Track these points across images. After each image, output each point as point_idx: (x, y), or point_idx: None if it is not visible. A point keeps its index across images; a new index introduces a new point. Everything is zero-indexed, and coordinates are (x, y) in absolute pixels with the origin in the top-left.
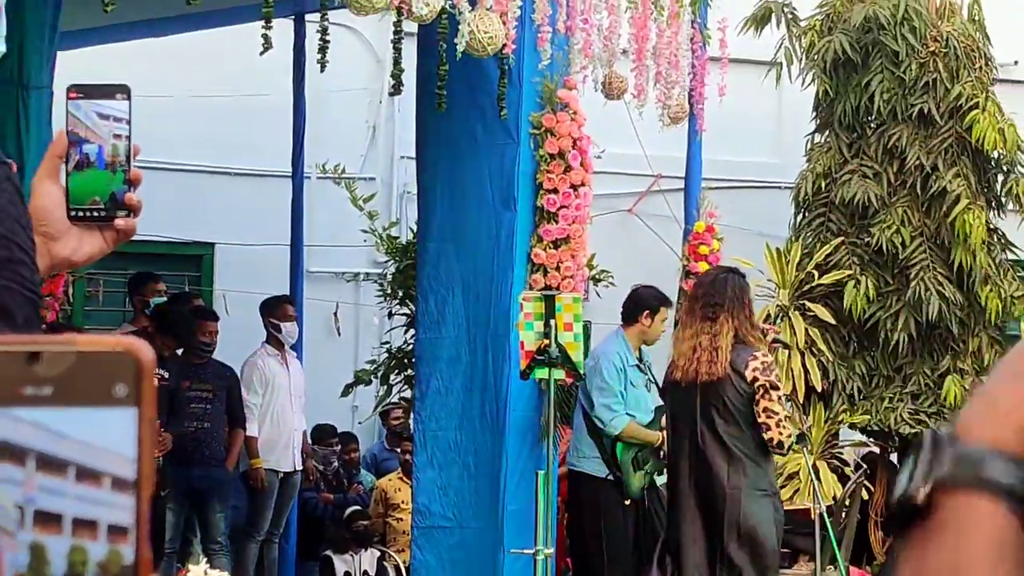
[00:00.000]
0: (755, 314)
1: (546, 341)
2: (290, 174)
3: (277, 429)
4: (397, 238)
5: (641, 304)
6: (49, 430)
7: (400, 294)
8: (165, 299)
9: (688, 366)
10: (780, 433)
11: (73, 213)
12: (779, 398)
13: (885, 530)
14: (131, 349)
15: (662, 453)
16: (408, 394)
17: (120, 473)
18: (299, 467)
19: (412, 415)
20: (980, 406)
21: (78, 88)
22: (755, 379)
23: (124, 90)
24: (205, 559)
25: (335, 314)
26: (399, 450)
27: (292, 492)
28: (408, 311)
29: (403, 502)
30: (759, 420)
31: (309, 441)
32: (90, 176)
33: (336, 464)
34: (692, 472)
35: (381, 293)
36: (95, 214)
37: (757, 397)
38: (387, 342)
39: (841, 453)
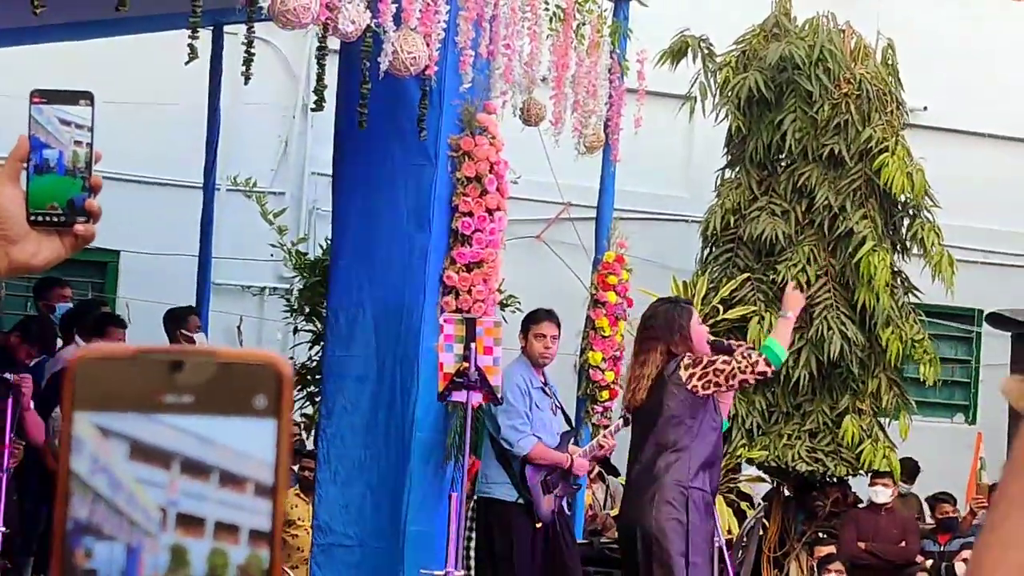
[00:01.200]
0: (705, 335)
1: (465, 364)
2: (201, 185)
3: None
4: (306, 254)
5: (523, 325)
6: (193, 435)
7: (307, 310)
8: (71, 305)
9: (629, 396)
10: (744, 365)
11: (32, 217)
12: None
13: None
14: (272, 362)
15: (572, 478)
16: (309, 411)
17: (261, 479)
18: None
19: (316, 432)
20: None
21: (41, 93)
22: (691, 375)
23: (87, 96)
24: None
25: (239, 327)
26: (296, 467)
27: None
28: (314, 328)
29: (299, 519)
30: (714, 381)
31: None
32: (49, 181)
33: None
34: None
35: (287, 308)
36: (54, 219)
37: (696, 379)
38: (291, 358)
39: (738, 487)
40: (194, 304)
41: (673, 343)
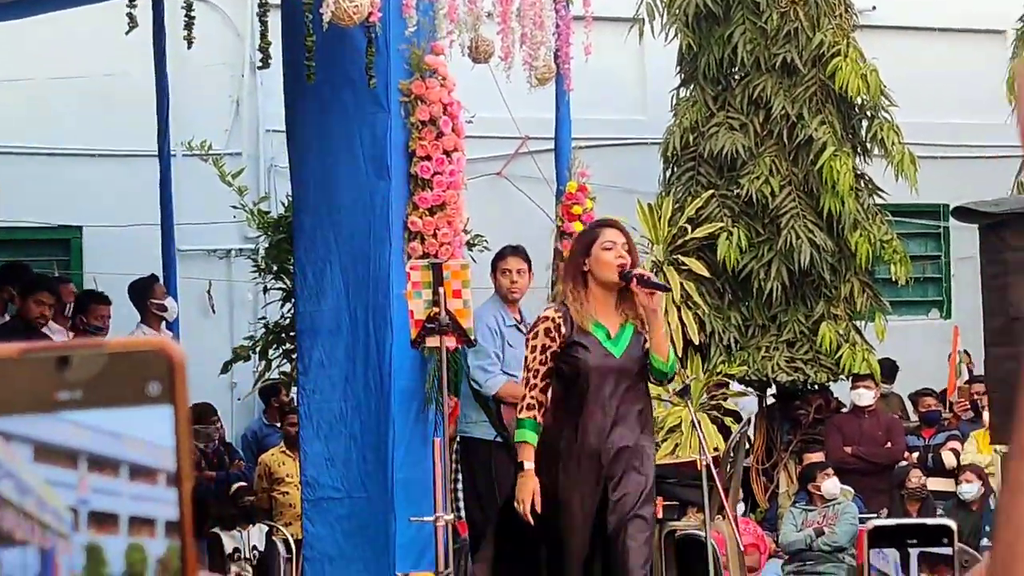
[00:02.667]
0: (587, 255)
1: (436, 309)
2: (156, 153)
3: None
4: (268, 212)
5: (491, 266)
6: (94, 430)
7: (274, 268)
8: None
9: None
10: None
11: None
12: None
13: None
14: (162, 348)
15: None
16: (287, 368)
17: (167, 468)
18: None
19: (295, 389)
20: None
21: None
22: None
23: None
24: None
25: (208, 292)
26: (280, 424)
27: None
28: (283, 285)
29: (288, 475)
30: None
31: None
32: None
33: (217, 442)
34: None
35: (255, 268)
36: None
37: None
38: (263, 317)
39: (723, 403)
40: (161, 273)
41: (564, 270)
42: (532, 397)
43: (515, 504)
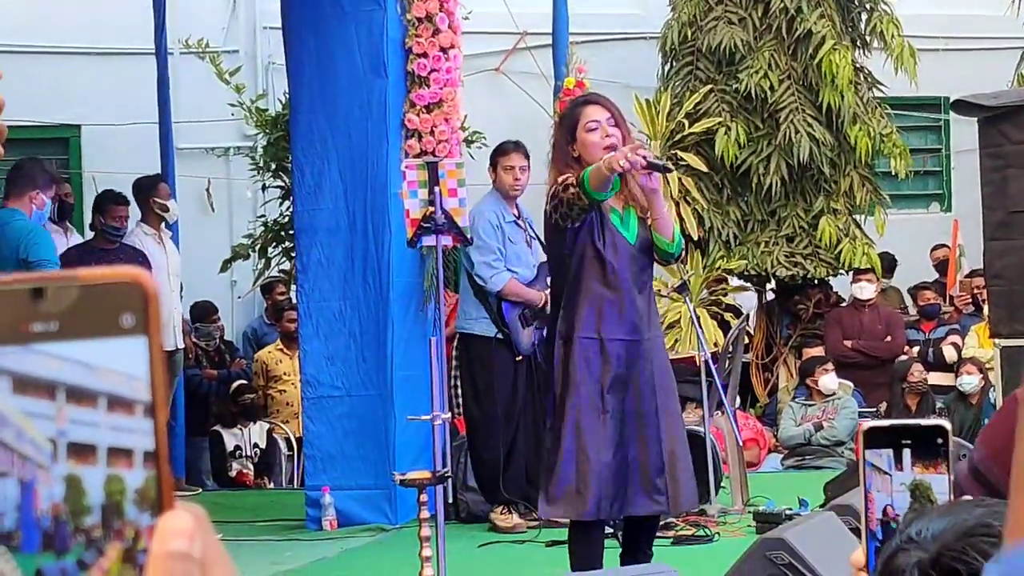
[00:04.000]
0: (573, 140)
1: (431, 208)
2: (153, 51)
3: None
4: (266, 110)
5: (491, 160)
6: (72, 362)
7: (273, 167)
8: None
9: None
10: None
11: None
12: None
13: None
14: (135, 278)
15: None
16: (287, 266)
17: (142, 399)
18: (180, 346)
19: (295, 287)
20: None
21: None
22: (551, 208)
23: None
24: None
25: (207, 190)
26: (277, 321)
27: (176, 371)
28: (282, 183)
29: (285, 373)
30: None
31: (188, 319)
32: None
33: (218, 340)
34: None
35: (253, 166)
36: None
37: (552, 209)
38: (262, 215)
39: (722, 298)
40: (160, 171)
41: (556, 157)
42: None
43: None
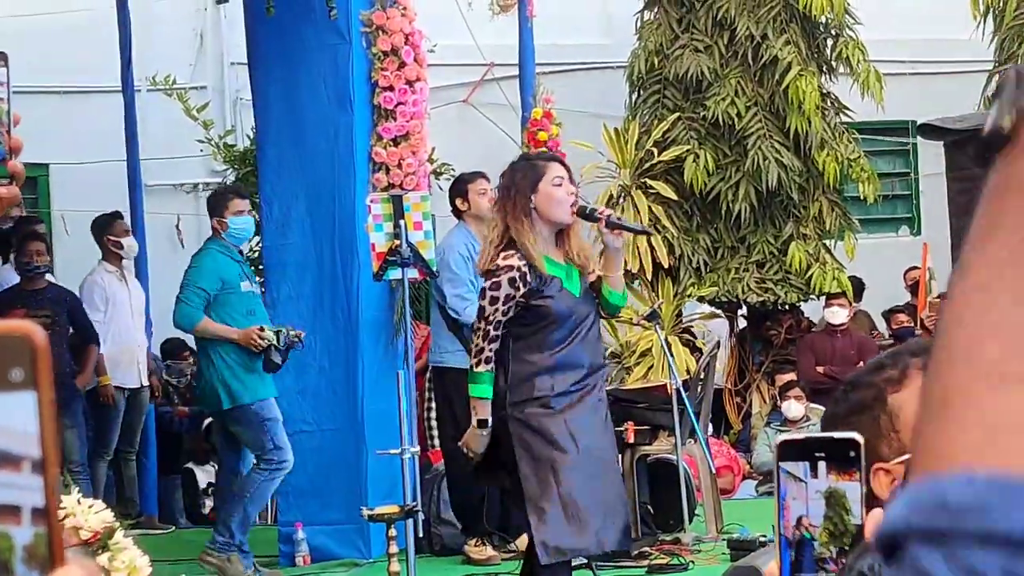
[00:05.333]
0: (534, 192)
1: (397, 242)
2: (120, 89)
3: (119, 347)
4: (234, 146)
5: (454, 191)
6: None
7: None
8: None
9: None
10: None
11: None
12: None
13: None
14: (24, 332)
15: None
16: None
17: (32, 455)
18: (145, 383)
19: None
20: None
21: None
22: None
23: (2, 57)
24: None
25: (177, 227)
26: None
27: (141, 408)
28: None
29: None
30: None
31: (158, 356)
32: None
33: (189, 377)
34: None
35: None
36: None
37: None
38: None
39: (691, 326)
40: (128, 209)
41: (508, 208)
42: (491, 351)
43: (465, 451)
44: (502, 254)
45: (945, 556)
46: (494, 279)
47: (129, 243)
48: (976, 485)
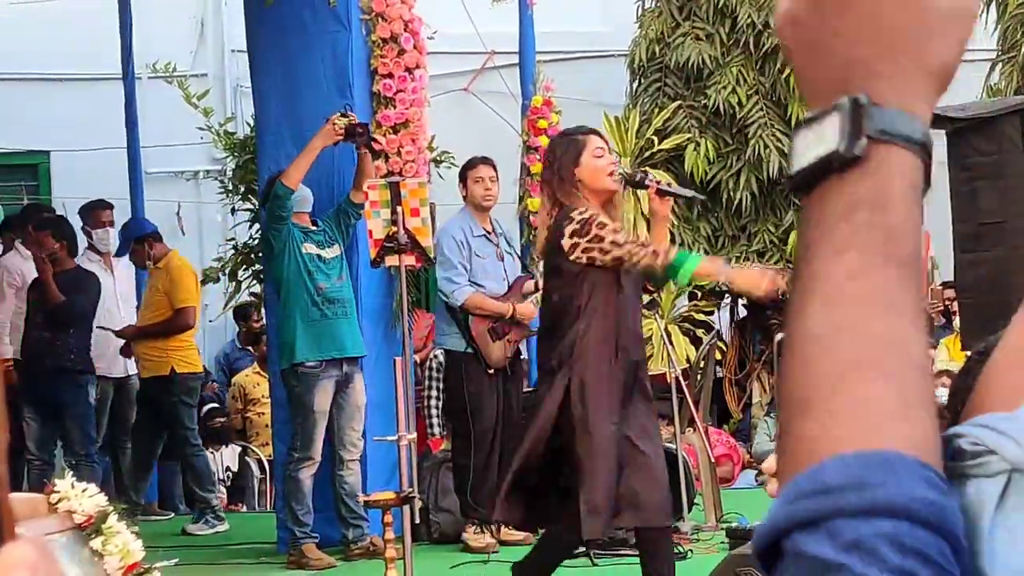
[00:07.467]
0: (576, 165)
1: (394, 228)
2: (120, 76)
3: (103, 335)
4: (234, 133)
5: (460, 177)
6: None
7: (242, 189)
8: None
9: (537, 250)
10: (635, 255)
11: None
12: (605, 234)
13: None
14: None
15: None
16: (257, 289)
17: None
18: (132, 372)
19: (265, 309)
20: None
21: None
22: (574, 245)
23: None
24: (72, 472)
25: (178, 214)
26: (255, 345)
27: (130, 397)
28: (251, 206)
29: (263, 396)
30: (597, 257)
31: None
32: None
33: None
34: None
35: (223, 190)
36: None
37: (580, 250)
38: (232, 238)
39: (692, 315)
40: (128, 196)
41: (556, 185)
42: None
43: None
44: (573, 210)
45: (830, 535)
46: (589, 222)
47: (100, 235)
48: (852, 465)
